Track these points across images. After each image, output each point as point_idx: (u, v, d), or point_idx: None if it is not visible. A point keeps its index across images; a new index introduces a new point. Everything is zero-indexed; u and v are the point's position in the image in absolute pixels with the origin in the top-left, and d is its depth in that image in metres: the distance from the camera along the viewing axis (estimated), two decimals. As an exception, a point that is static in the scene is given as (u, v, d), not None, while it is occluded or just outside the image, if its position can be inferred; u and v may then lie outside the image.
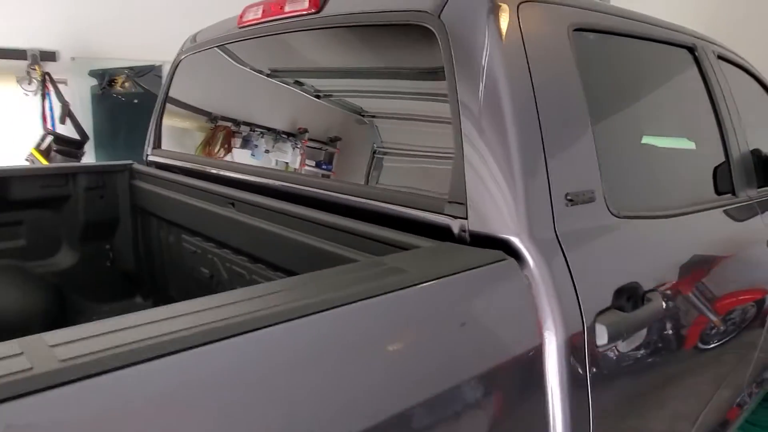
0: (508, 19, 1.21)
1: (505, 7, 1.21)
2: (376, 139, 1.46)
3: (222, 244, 1.88)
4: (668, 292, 1.36)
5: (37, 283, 2.29)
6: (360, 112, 1.54)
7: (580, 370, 1.06)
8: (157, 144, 2.44)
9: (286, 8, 1.71)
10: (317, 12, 1.61)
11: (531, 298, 1.04)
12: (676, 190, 1.68)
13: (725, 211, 1.73)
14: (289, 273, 1.53)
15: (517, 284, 1.03)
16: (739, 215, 1.81)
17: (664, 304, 1.28)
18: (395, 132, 1.45)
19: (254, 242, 1.67)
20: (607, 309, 1.13)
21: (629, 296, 1.19)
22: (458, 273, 0.95)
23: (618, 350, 1.18)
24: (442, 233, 1.19)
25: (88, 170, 2.38)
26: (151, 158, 2.45)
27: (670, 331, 1.38)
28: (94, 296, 2.44)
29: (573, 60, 1.27)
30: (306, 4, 1.63)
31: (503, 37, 1.19)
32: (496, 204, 1.12)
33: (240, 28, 1.95)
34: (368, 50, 1.51)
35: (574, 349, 1.05)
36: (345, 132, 1.57)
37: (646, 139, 1.69)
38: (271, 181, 1.71)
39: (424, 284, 0.90)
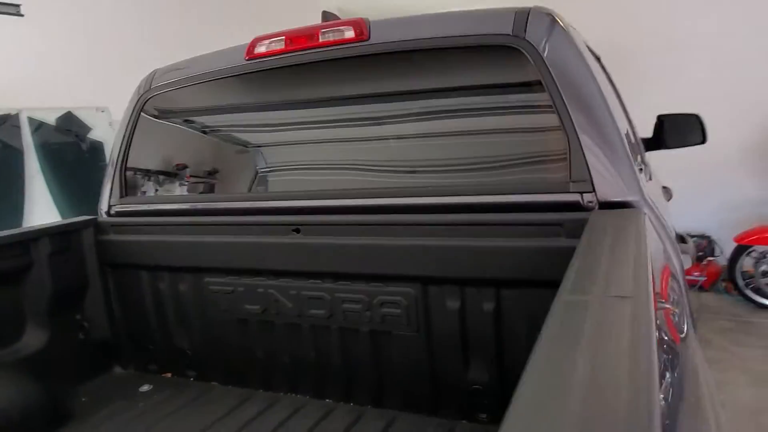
0: (574, 34, 1.57)
1: (567, 23, 1.57)
2: (480, 150, 1.69)
3: (279, 274, 1.87)
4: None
5: (5, 376, 1.91)
6: (453, 132, 1.74)
7: None
8: (123, 192, 2.22)
9: (324, 38, 1.82)
10: (365, 40, 1.76)
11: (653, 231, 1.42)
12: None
13: None
14: (401, 279, 1.66)
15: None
16: None
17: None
18: (492, 141, 1.70)
19: (349, 260, 1.72)
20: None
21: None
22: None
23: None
24: (566, 207, 1.48)
25: (50, 232, 2.05)
26: (118, 208, 2.21)
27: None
28: (69, 376, 2.10)
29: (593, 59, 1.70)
30: (352, 34, 1.77)
31: (578, 47, 1.55)
32: (614, 178, 1.46)
33: (248, 60, 1.96)
34: (446, 71, 1.72)
35: None
36: (458, 148, 1.75)
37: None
38: (330, 202, 1.79)
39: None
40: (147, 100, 2.18)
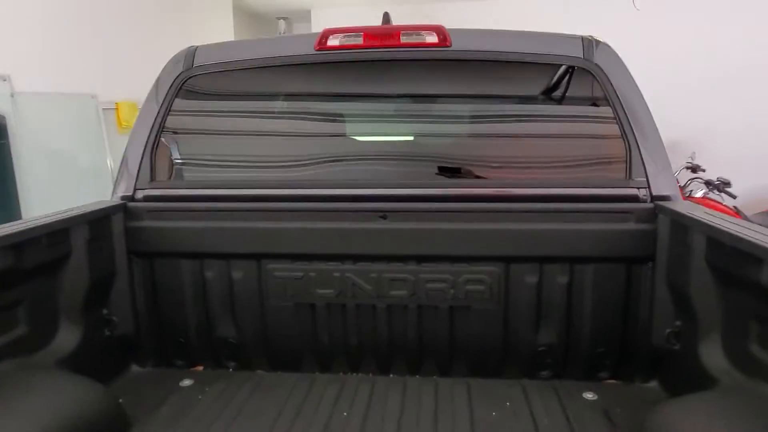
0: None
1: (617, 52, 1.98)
2: (555, 151, 2.00)
3: (359, 258, 1.96)
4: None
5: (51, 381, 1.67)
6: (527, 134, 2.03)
7: None
8: (153, 176, 2.06)
9: (407, 40, 1.98)
10: (447, 47, 1.97)
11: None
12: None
13: None
14: (487, 259, 1.90)
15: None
16: None
17: None
18: (565, 144, 2.02)
19: (436, 243, 1.90)
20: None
21: None
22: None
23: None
24: (627, 199, 1.89)
25: (88, 218, 1.84)
26: (147, 193, 2.05)
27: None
28: (97, 378, 1.91)
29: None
30: (435, 39, 1.97)
31: (629, 71, 1.96)
32: (660, 177, 1.90)
33: (319, 51, 2.01)
34: (523, 82, 1.99)
35: None
36: (535, 148, 2.02)
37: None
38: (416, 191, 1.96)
39: None
40: (188, 78, 2.07)
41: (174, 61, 2.12)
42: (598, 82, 1.92)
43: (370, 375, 2.08)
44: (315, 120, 2.16)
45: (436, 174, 2.02)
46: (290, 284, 2.01)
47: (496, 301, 1.95)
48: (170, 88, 2.07)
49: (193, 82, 2.08)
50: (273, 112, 2.18)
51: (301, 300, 2.02)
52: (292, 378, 2.05)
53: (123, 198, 2.06)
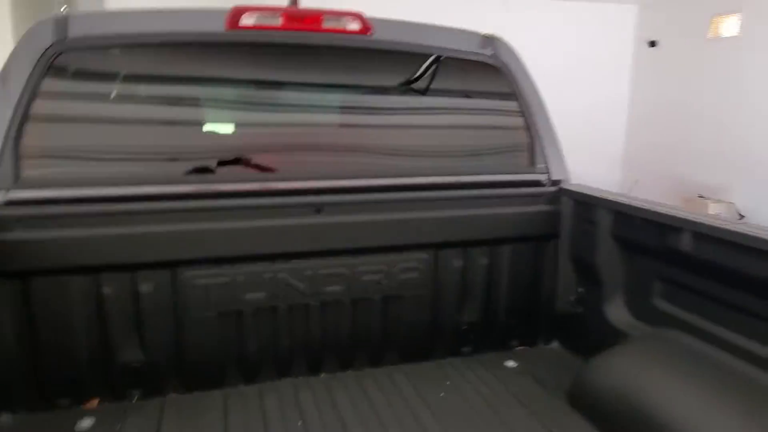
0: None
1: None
2: (467, 140, 2.09)
3: (293, 256, 1.83)
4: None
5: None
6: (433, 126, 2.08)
7: None
8: (18, 175, 1.63)
9: (328, 25, 1.89)
10: (367, 35, 1.94)
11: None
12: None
13: None
14: (418, 247, 1.94)
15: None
16: None
17: None
18: (475, 134, 2.12)
19: (371, 235, 1.87)
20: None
21: None
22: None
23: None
24: (530, 184, 2.10)
25: None
26: (13, 196, 1.61)
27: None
28: None
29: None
30: (357, 27, 1.92)
31: (527, 67, 2.16)
32: (557, 164, 2.15)
33: (229, 30, 1.81)
34: (432, 76, 2.02)
35: None
36: (449, 138, 2.05)
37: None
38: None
39: None
40: (59, 54, 1.67)
41: (36, 32, 1.69)
42: (506, 78, 2.09)
43: (301, 378, 1.97)
44: (226, 107, 1.94)
45: (366, 164, 1.98)
46: (214, 292, 1.79)
47: (428, 287, 2.01)
48: (36, 65, 1.65)
49: (66, 58, 1.69)
50: (175, 97, 1.89)
51: (227, 308, 1.82)
52: (212, 396, 1.84)
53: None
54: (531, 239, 2.10)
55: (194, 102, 1.93)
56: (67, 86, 1.74)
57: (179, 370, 1.84)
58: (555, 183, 2.13)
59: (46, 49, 1.67)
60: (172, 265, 1.74)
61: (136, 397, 1.82)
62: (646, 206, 1.73)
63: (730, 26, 5.36)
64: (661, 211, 1.66)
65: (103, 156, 1.75)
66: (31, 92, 1.64)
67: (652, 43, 6.23)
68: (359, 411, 1.74)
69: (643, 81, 6.53)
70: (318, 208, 1.84)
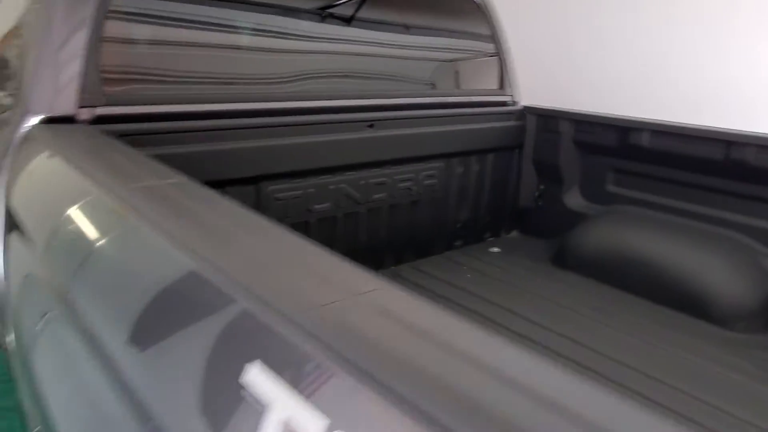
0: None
1: None
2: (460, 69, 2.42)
3: (351, 168, 2.02)
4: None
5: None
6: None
7: None
8: (97, 90, 1.51)
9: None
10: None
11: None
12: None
13: None
14: (435, 157, 2.30)
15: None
16: None
17: None
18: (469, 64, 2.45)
19: (405, 147, 2.16)
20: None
21: None
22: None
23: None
24: (502, 104, 2.59)
25: None
26: (101, 111, 1.50)
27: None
28: None
29: None
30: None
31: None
32: (516, 87, 2.67)
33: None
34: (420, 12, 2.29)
35: None
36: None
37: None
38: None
39: None
40: None
41: None
42: (484, 14, 2.49)
43: None
44: (295, 37, 1.96)
45: (402, 86, 2.22)
46: (290, 204, 1.90)
47: (442, 191, 2.39)
48: None
49: None
50: (244, 22, 1.85)
51: (298, 219, 1.95)
52: None
53: (48, 120, 1.44)
54: (504, 149, 2.61)
55: (263, 27, 1.92)
56: (139, 3, 1.61)
57: None
58: (516, 103, 2.65)
59: None
60: (256, 180, 1.80)
61: None
62: (602, 114, 2.37)
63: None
64: (615, 117, 2.31)
65: (182, 76, 1.69)
66: (106, 10, 1.51)
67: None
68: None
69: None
70: (371, 124, 2.05)
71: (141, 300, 0.75)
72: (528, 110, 2.62)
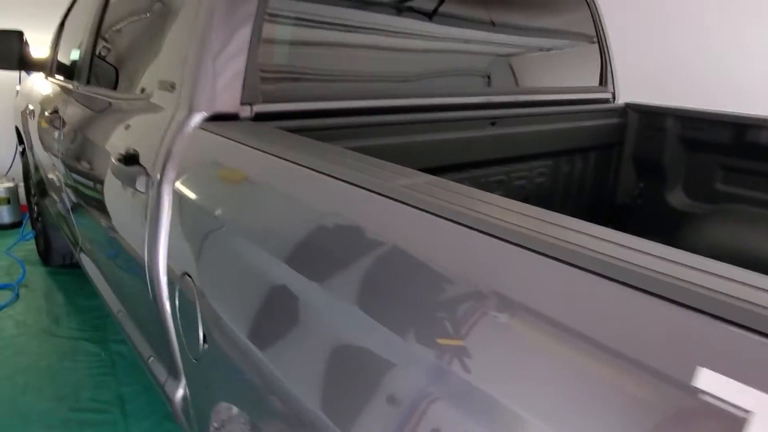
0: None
1: None
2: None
3: (474, 165, 2.01)
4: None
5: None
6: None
7: None
8: (257, 91, 1.51)
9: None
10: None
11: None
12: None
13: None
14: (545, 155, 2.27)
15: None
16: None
17: None
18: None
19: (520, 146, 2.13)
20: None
21: None
22: None
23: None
24: (601, 102, 2.55)
25: None
26: (262, 108, 1.51)
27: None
28: None
29: None
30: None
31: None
32: (617, 83, 2.63)
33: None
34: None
35: None
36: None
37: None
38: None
39: None
40: None
41: None
42: (590, 9, 2.45)
43: None
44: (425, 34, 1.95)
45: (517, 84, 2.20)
46: None
47: (550, 189, 2.36)
48: None
49: None
50: (384, 22, 1.85)
51: None
52: None
53: (213, 117, 1.44)
54: (604, 147, 2.57)
55: (397, 29, 1.91)
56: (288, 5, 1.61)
57: None
58: (615, 99, 2.61)
59: None
60: None
61: None
62: (713, 111, 2.32)
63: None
64: (727, 113, 2.27)
65: (328, 74, 1.69)
66: (264, 11, 1.50)
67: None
68: None
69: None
70: (493, 121, 2.03)
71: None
72: (630, 107, 2.58)
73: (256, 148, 1.22)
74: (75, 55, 2.63)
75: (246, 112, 1.48)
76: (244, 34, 1.47)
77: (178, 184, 1.39)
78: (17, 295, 3.64)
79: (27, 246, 4.41)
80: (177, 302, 1.37)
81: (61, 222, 3.01)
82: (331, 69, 1.70)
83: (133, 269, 1.65)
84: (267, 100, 1.52)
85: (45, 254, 4.01)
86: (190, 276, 1.28)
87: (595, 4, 2.49)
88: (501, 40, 2.22)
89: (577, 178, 2.50)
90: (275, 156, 1.14)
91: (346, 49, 1.75)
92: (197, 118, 1.44)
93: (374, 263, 0.83)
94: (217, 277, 1.19)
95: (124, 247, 1.75)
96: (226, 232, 1.18)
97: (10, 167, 5.07)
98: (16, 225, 4.83)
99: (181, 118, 1.45)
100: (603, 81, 2.58)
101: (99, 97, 2.13)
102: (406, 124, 1.75)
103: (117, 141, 1.77)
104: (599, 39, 2.52)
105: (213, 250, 1.22)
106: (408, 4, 1.90)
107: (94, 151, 1.99)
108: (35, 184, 3.59)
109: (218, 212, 1.21)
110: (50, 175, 2.90)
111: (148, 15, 1.95)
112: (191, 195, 1.34)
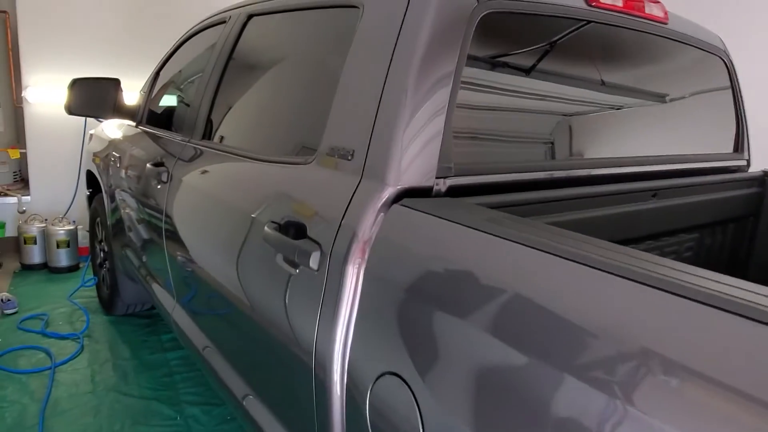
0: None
1: None
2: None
3: (633, 241, 1.84)
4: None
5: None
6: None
7: None
8: (450, 162, 1.37)
9: (646, 10, 1.91)
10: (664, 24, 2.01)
11: None
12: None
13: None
14: (696, 228, 2.11)
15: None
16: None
17: None
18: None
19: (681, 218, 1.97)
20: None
21: None
22: None
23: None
24: (736, 170, 2.39)
25: None
26: (456, 182, 1.37)
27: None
28: None
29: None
30: (661, 14, 1.97)
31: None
32: (751, 149, 2.48)
33: (590, 6, 1.72)
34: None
35: None
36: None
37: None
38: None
39: None
40: (486, 14, 1.42)
41: None
42: (727, 70, 2.33)
43: None
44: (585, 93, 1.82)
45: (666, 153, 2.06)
46: None
47: (695, 264, 2.18)
48: (467, 25, 1.38)
49: (489, 20, 1.44)
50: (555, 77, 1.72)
51: None
52: None
53: (406, 192, 1.30)
54: (740, 218, 2.40)
55: (577, 98, 1.80)
56: (491, 57, 1.49)
57: None
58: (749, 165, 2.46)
59: (475, 7, 1.40)
60: None
61: None
62: None
63: None
64: None
65: (523, 138, 1.56)
66: (463, 59, 1.38)
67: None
68: None
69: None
70: (654, 193, 1.88)
71: None
72: (768, 174, 2.43)
73: (479, 230, 1.07)
74: (181, 106, 2.54)
75: (441, 186, 1.34)
76: (441, 100, 1.34)
77: (373, 267, 1.24)
78: (82, 347, 3.48)
79: (86, 292, 4.28)
80: (366, 404, 1.20)
81: (145, 274, 2.87)
82: (519, 138, 1.57)
83: (283, 351, 1.49)
84: (459, 174, 1.38)
85: (108, 302, 3.86)
86: (400, 377, 1.11)
87: (733, 68, 2.36)
88: (649, 105, 2.09)
89: (716, 252, 2.32)
90: (509, 240, 1.00)
91: (531, 115, 1.62)
92: (388, 192, 1.29)
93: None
94: (441, 380, 1.03)
95: (265, 325, 1.59)
96: (456, 326, 1.02)
97: (69, 209, 4.99)
98: (72, 269, 4.71)
99: (369, 192, 1.31)
100: (738, 147, 2.43)
101: (227, 154, 2.01)
102: (595, 197, 1.61)
103: (264, 207, 1.63)
104: (736, 104, 2.39)
105: (443, 348, 1.05)
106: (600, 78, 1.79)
107: (225, 212, 1.85)
108: (110, 230, 3.47)
109: (447, 303, 1.05)
110: (141, 226, 2.77)
111: (300, 71, 1.84)
112: (397, 279, 1.18)
